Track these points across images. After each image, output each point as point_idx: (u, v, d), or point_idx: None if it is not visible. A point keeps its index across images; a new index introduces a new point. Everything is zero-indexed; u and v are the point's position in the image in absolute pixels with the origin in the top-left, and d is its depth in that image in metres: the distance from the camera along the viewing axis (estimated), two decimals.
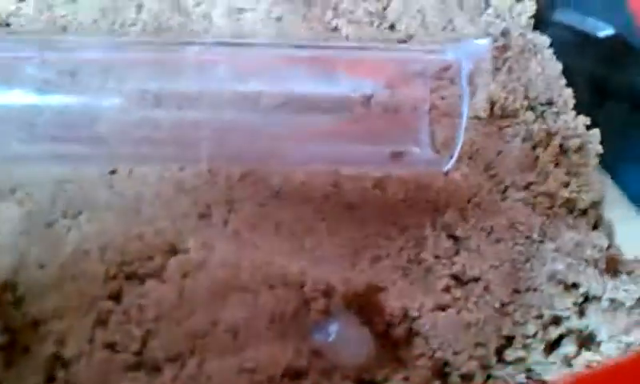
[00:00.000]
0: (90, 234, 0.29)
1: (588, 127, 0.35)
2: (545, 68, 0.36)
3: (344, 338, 0.28)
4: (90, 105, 0.30)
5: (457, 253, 0.32)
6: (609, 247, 0.33)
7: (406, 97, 0.32)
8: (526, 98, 0.36)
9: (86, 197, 0.30)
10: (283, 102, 0.31)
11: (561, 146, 0.35)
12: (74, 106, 0.30)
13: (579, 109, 0.35)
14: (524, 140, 0.35)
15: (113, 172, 0.31)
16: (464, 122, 0.30)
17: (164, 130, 0.31)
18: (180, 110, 0.31)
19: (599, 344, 0.30)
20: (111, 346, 0.27)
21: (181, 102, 0.31)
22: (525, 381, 0.30)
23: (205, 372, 0.27)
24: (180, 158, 0.31)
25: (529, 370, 0.30)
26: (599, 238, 0.32)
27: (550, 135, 0.35)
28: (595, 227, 0.33)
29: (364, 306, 0.30)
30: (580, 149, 0.35)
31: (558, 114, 0.36)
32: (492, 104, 0.35)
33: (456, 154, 0.31)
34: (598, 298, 0.31)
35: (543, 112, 0.36)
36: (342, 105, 0.32)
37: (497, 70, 0.35)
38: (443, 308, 0.30)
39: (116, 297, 0.28)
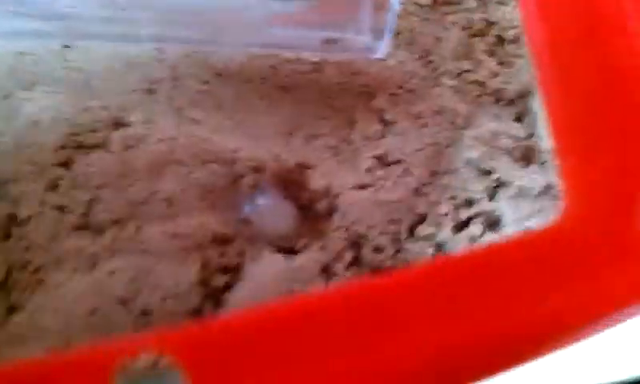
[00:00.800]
0: (43, 106, 0.32)
1: None
2: None
3: (269, 210, 0.32)
4: None
5: (384, 136, 0.35)
6: (530, 137, 0.35)
7: None
8: None
9: (41, 70, 0.33)
10: None
11: (498, 36, 0.36)
12: None
13: None
14: (463, 28, 0.36)
15: (67, 47, 0.34)
16: (395, 6, 0.32)
17: (116, 9, 0.33)
18: None
19: (503, 227, 0.33)
20: (60, 208, 0.31)
21: None
22: (432, 255, 0.33)
23: (142, 235, 0.31)
24: (129, 36, 0.33)
25: (438, 246, 0.34)
26: (517, 129, 0.34)
27: (489, 24, 0.37)
28: (519, 118, 0.36)
29: (291, 182, 0.33)
30: (516, 40, 0.36)
31: (500, 3, 0.37)
32: None
33: (386, 40, 0.33)
34: (507, 185, 0.34)
35: (486, 1, 0.37)
36: None
37: None
38: (363, 187, 0.33)
39: (65, 164, 0.31)
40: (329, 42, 0.33)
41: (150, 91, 0.33)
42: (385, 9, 0.34)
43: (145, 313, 0.29)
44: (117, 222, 0.31)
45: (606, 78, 0.25)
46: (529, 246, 0.23)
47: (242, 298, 0.30)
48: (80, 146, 0.32)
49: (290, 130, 0.35)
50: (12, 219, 0.30)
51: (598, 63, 0.25)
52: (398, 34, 0.36)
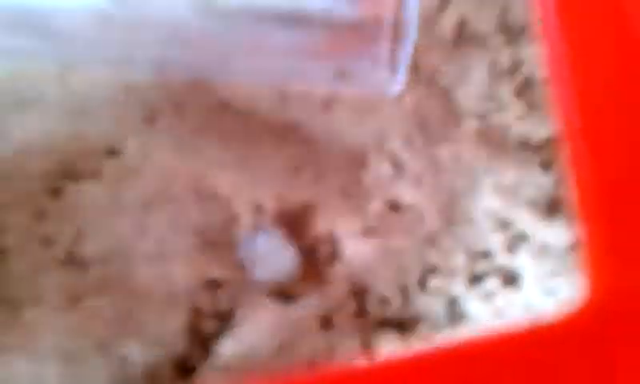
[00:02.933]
0: (34, 130, 0.31)
1: None
2: None
3: (268, 253, 0.30)
4: None
5: (396, 179, 0.33)
6: (558, 187, 0.33)
7: (367, 10, 0.32)
8: (501, 21, 0.35)
9: (35, 93, 0.32)
10: (239, 10, 0.31)
11: (527, 77, 0.34)
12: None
13: None
14: (489, 66, 0.34)
15: (64, 69, 0.32)
16: (412, 36, 0.30)
17: (117, 30, 0.32)
18: (134, 10, 0.32)
19: (522, 284, 0.31)
20: (45, 240, 0.30)
21: (136, 2, 0.32)
22: (444, 310, 0.31)
23: (129, 275, 0.29)
24: (127, 59, 0.32)
25: (450, 301, 0.32)
26: (544, 178, 0.32)
27: (517, 63, 0.35)
28: (547, 166, 0.33)
29: (293, 223, 0.31)
30: (547, 81, 0.34)
31: (531, 40, 0.35)
32: (460, 25, 0.34)
33: (400, 75, 0.31)
34: (529, 239, 0.32)
35: (516, 39, 0.35)
36: (300, 18, 0.32)
37: None
38: (370, 232, 0.31)
39: (53, 193, 0.30)
40: (342, 74, 0.31)
41: (149, 120, 0.32)
42: (401, 40, 0.32)
43: (124, 359, 0.28)
44: (103, 259, 0.29)
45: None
46: (538, 341, 0.20)
47: (233, 347, 0.28)
48: (70, 175, 0.30)
49: (295, 168, 0.33)
50: None
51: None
52: (417, 69, 0.34)
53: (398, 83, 0.32)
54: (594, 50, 0.24)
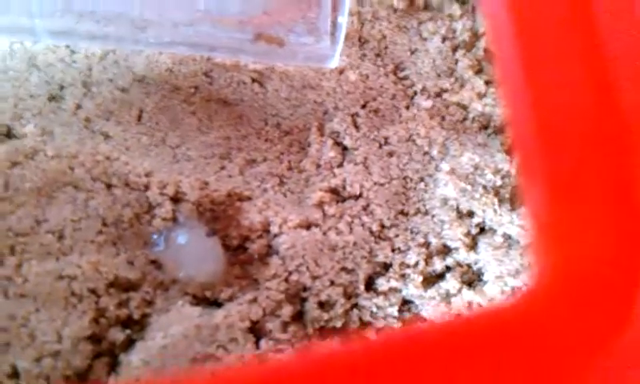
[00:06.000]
0: None
1: None
2: None
3: (188, 249, 0.27)
4: None
5: (340, 164, 0.29)
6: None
7: None
8: None
9: None
10: None
11: (486, 50, 0.31)
12: None
13: None
14: (444, 39, 0.31)
15: None
16: (346, 3, 0.27)
17: None
18: None
19: (484, 283, 0.28)
20: None
21: None
22: (396, 314, 0.28)
23: (22, 274, 0.25)
24: (33, 27, 0.28)
25: (404, 303, 0.28)
26: (506, 163, 0.29)
27: (475, 36, 0.31)
28: (509, 150, 0.30)
29: (219, 215, 0.28)
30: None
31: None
32: None
33: (339, 47, 0.27)
34: (491, 232, 0.28)
35: (474, 7, 0.32)
36: None
37: None
38: (309, 226, 0.28)
39: None
40: (268, 40, 0.28)
41: (54, 98, 0.28)
42: (339, 8, 0.28)
43: (12, 376, 0.23)
44: None
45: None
46: (487, 327, 0.17)
47: (143, 359, 0.24)
48: None
49: (224, 153, 0.29)
50: None
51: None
52: (364, 42, 0.31)
53: (336, 55, 0.28)
54: (541, 25, 0.21)
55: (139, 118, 0.29)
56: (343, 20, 0.27)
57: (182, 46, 0.28)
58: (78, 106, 0.29)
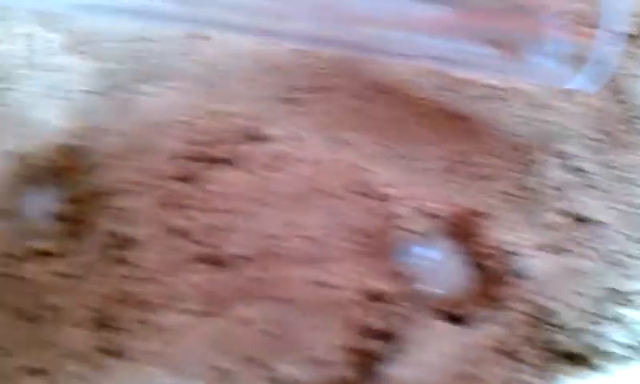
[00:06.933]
0: (162, 104, 0.27)
1: None
2: None
3: (439, 264, 0.26)
4: None
5: (575, 187, 0.29)
6: None
7: None
8: None
9: (165, 61, 0.27)
10: None
11: None
12: None
13: None
14: None
15: (191, 37, 0.28)
16: (601, 32, 0.26)
17: None
18: None
19: None
20: (179, 233, 0.25)
21: None
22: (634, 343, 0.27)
23: (273, 277, 0.24)
24: (270, 31, 0.28)
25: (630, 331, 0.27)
26: None
27: None
28: None
29: (461, 231, 0.27)
30: None
31: None
32: None
33: (587, 72, 0.27)
34: None
35: None
36: None
37: None
38: (553, 249, 0.27)
39: (183, 179, 0.26)
40: (505, 59, 0.27)
41: (288, 100, 0.28)
42: (588, 34, 0.28)
43: (274, 380, 0.23)
44: (247, 258, 0.25)
45: None
46: None
47: (402, 374, 0.24)
48: (203, 158, 0.26)
49: (456, 167, 0.29)
50: (114, 239, 0.25)
51: None
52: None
53: (576, 80, 0.28)
54: None
55: (370, 126, 0.28)
56: (593, 50, 0.26)
57: (426, 59, 0.28)
58: (314, 111, 0.28)
